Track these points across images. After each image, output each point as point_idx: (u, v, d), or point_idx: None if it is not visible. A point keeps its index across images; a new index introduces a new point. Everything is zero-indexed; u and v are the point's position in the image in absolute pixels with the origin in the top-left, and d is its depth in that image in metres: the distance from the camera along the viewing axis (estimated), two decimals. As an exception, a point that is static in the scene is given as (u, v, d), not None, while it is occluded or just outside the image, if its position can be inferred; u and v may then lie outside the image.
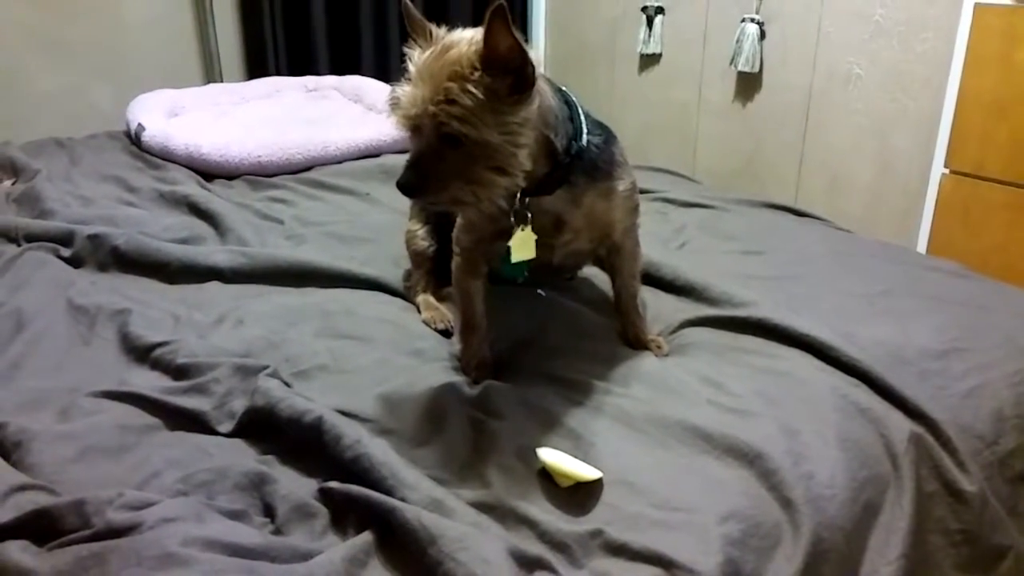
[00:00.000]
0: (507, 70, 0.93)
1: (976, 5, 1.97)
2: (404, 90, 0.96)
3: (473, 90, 0.92)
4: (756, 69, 2.67)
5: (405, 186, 0.97)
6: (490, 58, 0.92)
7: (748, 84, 2.75)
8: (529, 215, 1.07)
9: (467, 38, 0.96)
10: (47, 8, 2.63)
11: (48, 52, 2.65)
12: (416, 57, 0.97)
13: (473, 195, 0.97)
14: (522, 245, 1.08)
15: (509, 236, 1.09)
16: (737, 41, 2.68)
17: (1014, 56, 1.92)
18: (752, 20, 2.64)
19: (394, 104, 0.97)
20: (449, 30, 0.99)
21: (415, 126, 0.96)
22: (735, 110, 2.82)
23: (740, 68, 2.69)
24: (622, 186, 1.14)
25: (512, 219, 1.07)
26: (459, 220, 1.18)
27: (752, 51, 2.65)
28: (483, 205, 0.99)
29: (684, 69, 2.93)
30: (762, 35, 2.65)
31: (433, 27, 0.99)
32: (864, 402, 1.09)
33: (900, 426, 1.07)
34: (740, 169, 2.84)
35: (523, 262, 1.09)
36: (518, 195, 1.05)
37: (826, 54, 2.53)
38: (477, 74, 0.92)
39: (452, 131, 0.92)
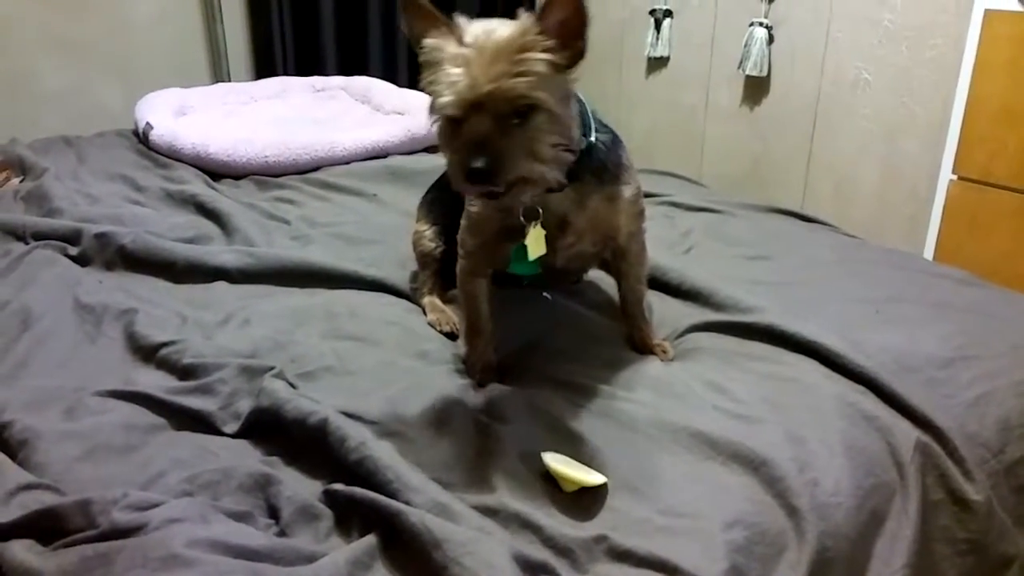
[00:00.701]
0: (567, 38, 0.94)
1: (986, 11, 1.96)
2: (455, 71, 0.92)
3: (546, 57, 0.92)
4: (764, 73, 2.67)
5: (481, 170, 0.91)
6: (552, 27, 0.93)
7: (756, 88, 2.75)
8: (540, 211, 1.07)
9: (508, 23, 0.94)
10: (55, 6, 2.63)
11: (56, 50, 2.65)
12: (453, 45, 0.93)
13: (538, 171, 0.95)
14: (536, 242, 1.08)
15: (513, 237, 1.09)
16: (745, 45, 2.67)
17: (1024, 63, 1.91)
18: (760, 24, 2.63)
19: (451, 85, 0.92)
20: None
21: (476, 105, 0.92)
22: (742, 114, 2.81)
23: (748, 72, 2.68)
24: (628, 191, 1.14)
25: (521, 218, 1.07)
26: (464, 222, 1.18)
27: (760, 55, 2.65)
28: (544, 182, 0.97)
29: (692, 72, 2.93)
30: (770, 39, 2.64)
31: (450, 19, 0.96)
32: (870, 410, 1.09)
33: (906, 434, 1.07)
34: (747, 173, 2.83)
35: (536, 259, 1.09)
36: None
37: (834, 59, 2.52)
38: (545, 43, 0.92)
39: (532, 100, 0.91)
